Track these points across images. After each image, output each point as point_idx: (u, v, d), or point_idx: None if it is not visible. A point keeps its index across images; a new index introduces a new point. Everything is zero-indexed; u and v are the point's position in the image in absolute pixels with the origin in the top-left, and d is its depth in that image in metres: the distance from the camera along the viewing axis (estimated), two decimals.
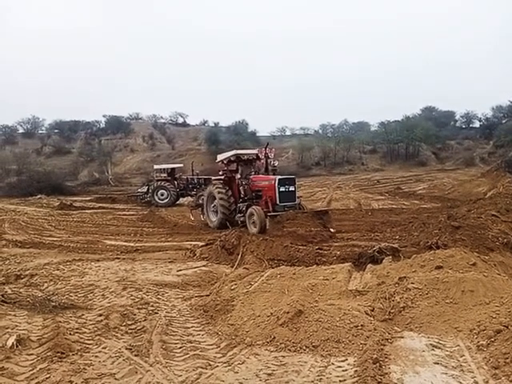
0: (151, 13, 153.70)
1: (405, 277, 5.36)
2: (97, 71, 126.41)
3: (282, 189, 12.14)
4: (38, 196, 26.43)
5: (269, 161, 13.72)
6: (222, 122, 66.33)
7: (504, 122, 51.49)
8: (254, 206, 12.17)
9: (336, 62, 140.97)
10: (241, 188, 13.30)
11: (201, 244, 9.94)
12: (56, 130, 63.23)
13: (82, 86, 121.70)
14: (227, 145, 48.95)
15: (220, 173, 14.29)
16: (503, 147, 41.30)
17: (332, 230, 11.37)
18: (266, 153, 13.66)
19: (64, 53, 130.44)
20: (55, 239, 12.12)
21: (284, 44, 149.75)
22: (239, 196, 13.35)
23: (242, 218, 12.73)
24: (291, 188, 12.33)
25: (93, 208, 21.64)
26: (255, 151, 14.18)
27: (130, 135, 61.52)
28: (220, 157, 14.33)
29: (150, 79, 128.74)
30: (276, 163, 13.98)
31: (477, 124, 60.77)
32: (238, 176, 13.54)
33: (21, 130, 63.70)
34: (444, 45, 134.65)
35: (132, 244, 11.36)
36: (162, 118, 69.48)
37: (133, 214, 18.98)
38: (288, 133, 65.45)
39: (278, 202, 12.05)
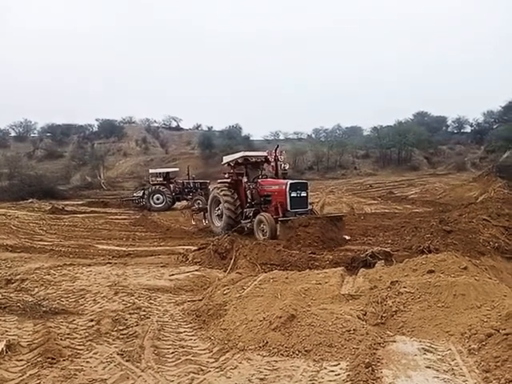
0: (144, 14, 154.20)
1: (397, 281, 5.39)
2: (90, 74, 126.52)
3: (294, 194, 11.42)
4: (30, 200, 26.17)
5: (279, 164, 12.89)
6: (216, 126, 66.52)
7: (495, 127, 51.98)
8: (262, 213, 11.56)
9: (331, 64, 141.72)
10: (248, 192, 12.65)
11: (193, 248, 9.91)
12: (48, 134, 62.94)
13: (75, 88, 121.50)
14: (221, 149, 49.04)
15: (226, 175, 13.60)
16: (494, 152, 41.64)
17: (347, 237, 10.81)
18: (275, 155, 12.89)
19: (58, 55, 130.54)
20: (46, 243, 12.01)
21: (278, 46, 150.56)
22: (246, 200, 12.71)
23: (248, 224, 12.15)
24: (303, 194, 11.62)
25: (85, 212, 21.51)
26: (264, 153, 13.37)
27: (122, 139, 61.46)
28: (226, 158, 13.65)
29: (143, 82, 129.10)
30: (287, 166, 13.14)
31: (468, 129, 61.47)
32: (245, 179, 12.86)
33: (13, 134, 63.38)
34: (441, 47, 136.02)
35: (124, 248, 11.28)
36: (155, 121, 69.61)
37: (125, 219, 18.89)
38: (281, 137, 65.61)
39: (288, 209, 11.31)
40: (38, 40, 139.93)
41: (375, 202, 23.13)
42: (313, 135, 64.72)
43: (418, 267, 5.76)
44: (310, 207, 11.94)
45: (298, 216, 10.85)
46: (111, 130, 62.64)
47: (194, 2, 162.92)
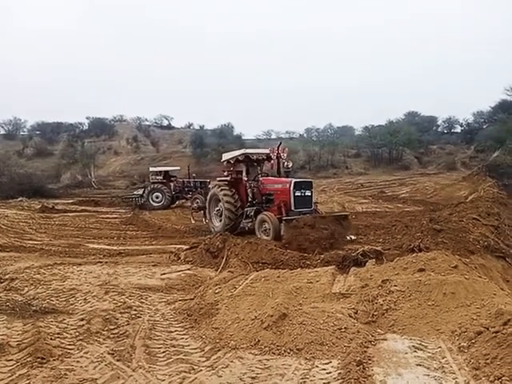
0: (140, 12, 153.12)
1: (388, 279, 5.42)
2: (80, 72, 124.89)
3: (298, 193, 11.06)
4: (19, 199, 25.87)
5: (281, 162, 12.55)
6: (208, 125, 66.25)
7: (485, 127, 52.43)
8: (265, 212, 11.24)
9: (325, 64, 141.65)
10: (249, 191, 12.28)
11: (185, 247, 9.89)
12: (38, 132, 62.30)
13: (65, 87, 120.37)
14: (212, 148, 48.92)
15: (225, 173, 13.16)
16: (484, 152, 42.00)
17: (353, 236, 10.48)
18: (278, 153, 12.48)
19: (48, 54, 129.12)
20: (36, 243, 11.92)
21: (270, 46, 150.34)
22: (246, 199, 12.35)
23: (249, 224, 11.91)
24: (307, 193, 11.28)
25: (75, 211, 21.34)
26: (266, 151, 13.03)
27: (113, 137, 61.00)
28: (226, 156, 13.22)
29: (134, 81, 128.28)
30: (290, 164, 12.79)
31: (458, 129, 61.93)
32: (246, 178, 12.57)
33: (2, 132, 62.74)
34: (438, 48, 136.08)
35: (115, 247, 11.24)
36: (146, 120, 69.05)
37: (116, 218, 18.79)
38: (273, 136, 65.48)
39: (292, 208, 10.95)
40: (20, 40, 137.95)
41: (366, 201, 23.25)
42: (305, 135, 64.72)
43: (409, 266, 5.81)
44: (314, 207, 11.59)
45: (302, 215, 10.53)
46: (102, 128, 62.17)
47: (177, 2, 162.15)
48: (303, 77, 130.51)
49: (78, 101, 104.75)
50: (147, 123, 68.57)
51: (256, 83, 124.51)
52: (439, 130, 63.46)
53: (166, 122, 70.07)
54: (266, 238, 10.63)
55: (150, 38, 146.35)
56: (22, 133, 63.23)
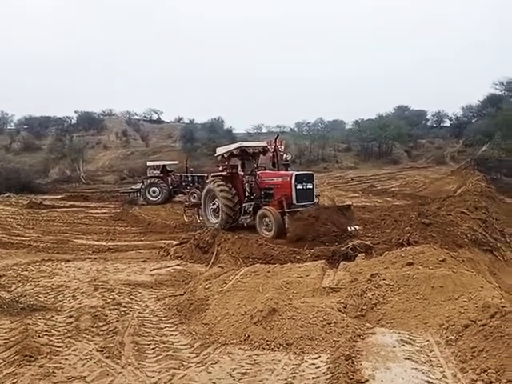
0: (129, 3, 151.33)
1: (377, 273, 5.46)
2: (69, 65, 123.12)
3: (300, 186, 10.70)
4: (7, 194, 25.57)
5: (279, 154, 12.12)
6: (198, 119, 65.87)
7: (474, 121, 52.87)
8: (266, 207, 10.88)
9: (316, 58, 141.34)
10: (246, 185, 11.90)
11: (175, 243, 9.84)
12: (25, 126, 61.40)
13: (53, 80, 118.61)
14: (203, 142, 48.74)
15: (220, 168, 12.68)
16: (472, 146, 42.38)
17: (357, 227, 10.15)
18: (275, 145, 12.08)
19: (33, 42, 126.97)
20: (24, 239, 11.78)
21: (265, 38, 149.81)
22: (244, 195, 11.95)
23: (248, 220, 11.55)
24: (309, 186, 10.93)
25: (64, 206, 21.14)
26: (263, 143, 12.61)
27: (102, 132, 60.43)
28: (220, 150, 12.70)
29: (123, 74, 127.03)
30: (289, 157, 12.44)
31: (447, 123, 62.38)
32: (243, 172, 12.17)
33: None
34: (423, 44, 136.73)
35: (104, 243, 11.16)
36: (135, 114, 68.51)
37: (105, 213, 18.64)
38: (264, 130, 65.38)
39: (294, 202, 10.57)
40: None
41: (356, 195, 23.32)
42: (295, 129, 64.67)
43: (398, 260, 5.85)
44: (316, 200, 11.28)
45: (305, 209, 10.17)
46: (90, 122, 61.49)
47: None
48: (301, 68, 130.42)
49: (65, 94, 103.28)
50: (136, 117, 68.11)
51: (247, 77, 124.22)
52: (428, 123, 63.86)
53: (155, 116, 69.66)
54: (267, 233, 10.36)
55: (140, 31, 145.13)
56: (9, 127, 62.37)
